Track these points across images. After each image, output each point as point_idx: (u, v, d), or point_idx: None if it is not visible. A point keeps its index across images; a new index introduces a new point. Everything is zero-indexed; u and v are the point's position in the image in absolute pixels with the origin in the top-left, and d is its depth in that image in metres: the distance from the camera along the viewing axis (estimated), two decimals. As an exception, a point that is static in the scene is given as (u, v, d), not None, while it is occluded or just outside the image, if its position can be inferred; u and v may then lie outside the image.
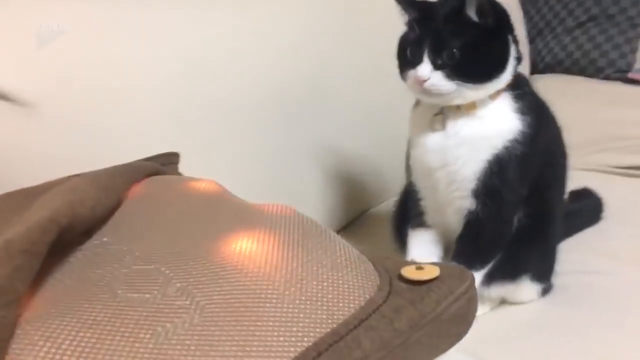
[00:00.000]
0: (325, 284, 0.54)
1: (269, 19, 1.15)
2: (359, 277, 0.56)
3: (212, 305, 0.50)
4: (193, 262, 0.54)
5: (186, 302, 0.50)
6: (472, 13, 0.78)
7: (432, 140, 0.84)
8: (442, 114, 0.84)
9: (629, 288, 0.94)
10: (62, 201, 0.52)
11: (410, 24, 0.83)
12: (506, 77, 0.81)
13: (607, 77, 1.65)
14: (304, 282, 0.53)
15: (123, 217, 0.61)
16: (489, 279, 0.90)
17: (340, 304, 0.53)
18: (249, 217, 0.60)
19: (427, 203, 0.92)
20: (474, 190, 0.84)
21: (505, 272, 0.91)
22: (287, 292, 0.52)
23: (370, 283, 0.56)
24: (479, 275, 0.87)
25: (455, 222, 0.89)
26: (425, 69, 0.78)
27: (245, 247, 0.55)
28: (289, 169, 1.13)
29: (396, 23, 0.84)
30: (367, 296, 0.54)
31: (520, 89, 0.85)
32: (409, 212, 0.96)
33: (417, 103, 0.91)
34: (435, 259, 0.91)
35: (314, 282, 0.53)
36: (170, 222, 0.61)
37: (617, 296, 0.92)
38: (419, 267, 0.57)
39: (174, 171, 0.78)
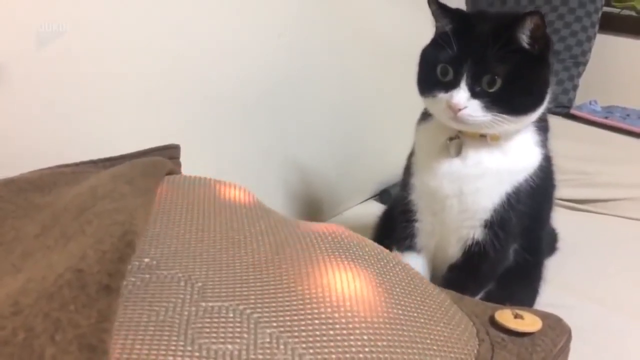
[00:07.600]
0: (429, 340, 0.45)
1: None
2: (458, 327, 0.48)
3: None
4: (275, 297, 0.42)
5: (286, 355, 0.39)
6: (522, 36, 0.68)
7: (447, 167, 0.76)
8: (458, 138, 0.75)
9: (597, 326, 0.94)
10: (122, 215, 0.37)
11: (444, 37, 0.71)
12: (541, 109, 0.73)
13: (548, 111, 1.69)
14: (409, 341, 0.43)
15: (159, 230, 0.47)
16: None
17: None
18: (334, 248, 0.49)
19: (424, 226, 0.84)
20: (487, 220, 0.78)
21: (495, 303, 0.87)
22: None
23: (468, 333, 0.48)
24: None
25: (454, 249, 0.82)
26: (462, 96, 0.68)
27: (340, 287, 0.44)
28: (252, 174, 1.02)
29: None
30: (474, 350, 0.46)
31: (542, 121, 0.80)
32: (393, 232, 0.89)
33: (425, 119, 0.83)
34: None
35: (419, 340, 0.44)
36: (217, 237, 0.48)
37: (587, 333, 0.92)
38: (517, 314, 0.50)
39: (178, 167, 0.64)
